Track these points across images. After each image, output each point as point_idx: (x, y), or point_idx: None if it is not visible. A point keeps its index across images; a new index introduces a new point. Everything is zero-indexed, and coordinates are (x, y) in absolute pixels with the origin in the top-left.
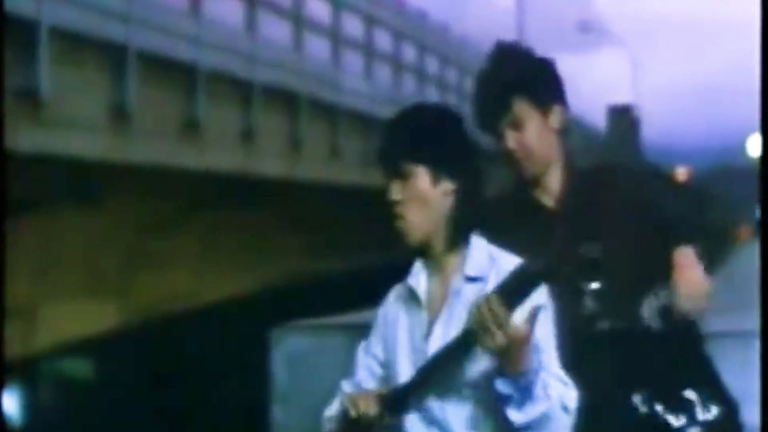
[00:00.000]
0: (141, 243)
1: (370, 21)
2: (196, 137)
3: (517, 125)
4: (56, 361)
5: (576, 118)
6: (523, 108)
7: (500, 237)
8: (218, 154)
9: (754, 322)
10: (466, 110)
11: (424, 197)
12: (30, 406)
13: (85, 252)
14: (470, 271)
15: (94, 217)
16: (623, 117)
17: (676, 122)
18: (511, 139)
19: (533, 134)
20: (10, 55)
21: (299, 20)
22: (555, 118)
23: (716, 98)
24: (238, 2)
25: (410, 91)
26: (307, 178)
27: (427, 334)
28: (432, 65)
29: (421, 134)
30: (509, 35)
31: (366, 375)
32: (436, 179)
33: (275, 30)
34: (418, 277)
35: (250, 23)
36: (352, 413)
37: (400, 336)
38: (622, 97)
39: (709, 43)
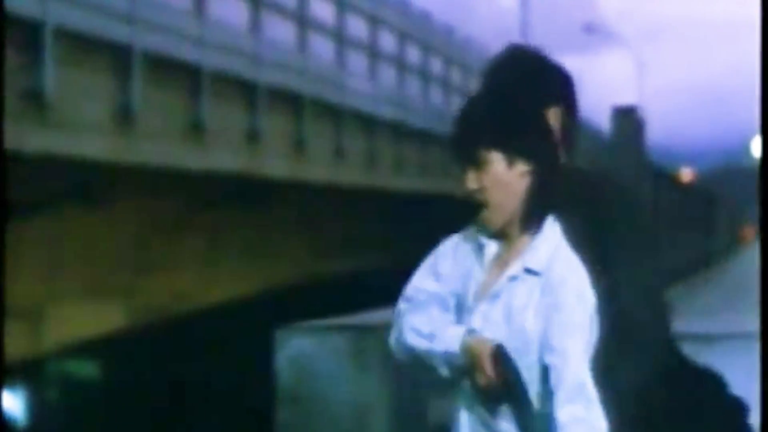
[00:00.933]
0: (146, 243)
1: (375, 22)
2: (200, 138)
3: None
4: (62, 361)
5: (580, 119)
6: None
7: None
8: (223, 155)
9: (755, 324)
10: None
11: (502, 181)
12: (36, 407)
13: (90, 253)
14: (530, 263)
15: (99, 218)
16: (628, 118)
17: (681, 123)
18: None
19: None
20: (15, 57)
21: (303, 21)
22: (551, 117)
23: (721, 99)
24: (242, 3)
25: (414, 91)
26: (312, 178)
27: (473, 306)
28: (436, 66)
29: (493, 119)
30: (513, 36)
31: (438, 309)
32: (511, 162)
33: (279, 31)
34: (489, 241)
35: (255, 24)
36: (472, 368)
37: (461, 288)
38: (626, 98)
39: (713, 44)
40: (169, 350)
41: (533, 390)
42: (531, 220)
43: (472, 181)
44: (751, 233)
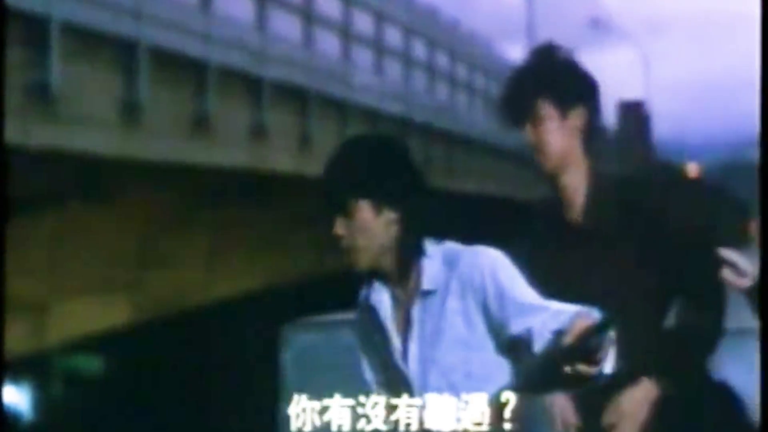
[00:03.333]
0: (152, 239)
1: (380, 17)
2: (206, 134)
3: (537, 122)
4: (66, 357)
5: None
6: (543, 106)
7: (531, 251)
8: (228, 151)
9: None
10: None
11: (368, 228)
12: (40, 402)
13: (95, 248)
14: (425, 285)
15: (104, 213)
16: (634, 113)
17: (687, 118)
18: (530, 134)
19: (550, 132)
20: (21, 52)
21: (309, 17)
22: (576, 119)
23: (727, 94)
24: None
25: (420, 87)
26: (318, 173)
27: (404, 354)
28: (442, 61)
29: (360, 169)
30: (519, 31)
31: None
32: (378, 210)
33: (285, 26)
34: (381, 294)
35: (261, 20)
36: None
37: (374, 360)
38: (632, 93)
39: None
40: (173, 346)
41: (493, 384)
42: (406, 260)
43: (339, 227)
44: (756, 227)
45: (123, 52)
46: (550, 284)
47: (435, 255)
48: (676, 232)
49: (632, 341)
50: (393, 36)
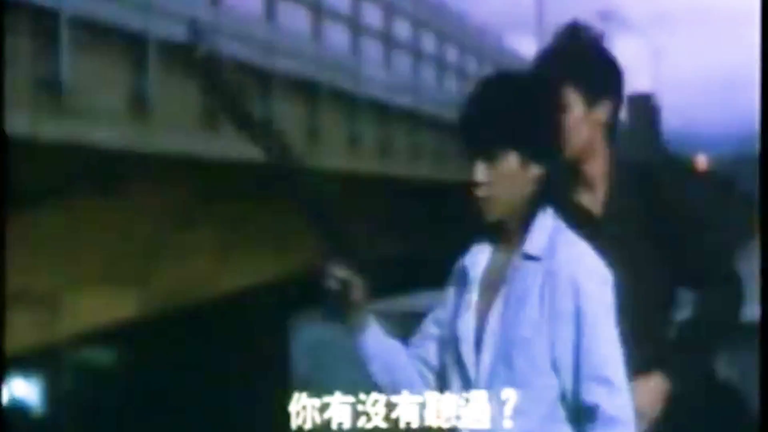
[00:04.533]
0: (162, 232)
1: (390, 10)
2: (216, 126)
3: (561, 109)
4: (78, 350)
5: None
6: (570, 94)
7: None
8: (238, 143)
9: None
10: None
11: (511, 180)
12: (51, 395)
13: (106, 240)
14: (528, 248)
15: (114, 206)
16: (644, 105)
17: (696, 110)
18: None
19: (574, 121)
20: (31, 45)
21: (318, 9)
22: (602, 112)
23: (736, 86)
24: None
25: (429, 80)
26: (326, 166)
27: (485, 313)
28: (451, 54)
29: (513, 113)
30: (528, 24)
31: (420, 364)
32: (524, 163)
33: (294, 19)
34: (476, 257)
35: (270, 12)
36: None
37: (448, 319)
38: (642, 86)
39: (729, 30)
40: (184, 339)
41: (543, 379)
42: (528, 219)
43: (480, 173)
44: None
45: (132, 45)
46: None
47: (546, 224)
48: (692, 222)
49: (646, 334)
50: (402, 29)
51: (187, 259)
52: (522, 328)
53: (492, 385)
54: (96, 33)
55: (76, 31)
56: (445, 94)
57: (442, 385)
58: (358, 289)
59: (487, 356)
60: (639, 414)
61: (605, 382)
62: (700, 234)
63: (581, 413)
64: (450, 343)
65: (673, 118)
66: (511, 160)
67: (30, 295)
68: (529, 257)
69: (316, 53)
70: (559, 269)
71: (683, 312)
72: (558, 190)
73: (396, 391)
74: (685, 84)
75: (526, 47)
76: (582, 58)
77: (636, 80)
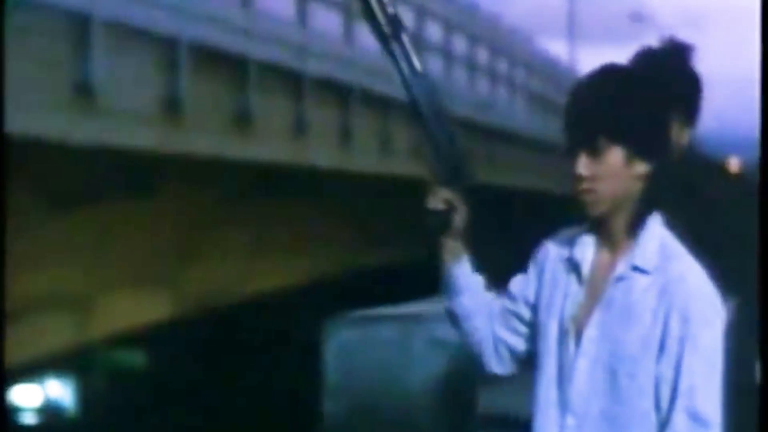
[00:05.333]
0: (193, 234)
1: (421, 12)
2: (247, 129)
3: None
4: (110, 351)
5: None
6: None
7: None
8: (270, 146)
9: None
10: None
11: (616, 176)
12: (84, 396)
13: (137, 243)
14: (638, 260)
15: (146, 209)
16: None
17: (728, 112)
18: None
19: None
20: (64, 48)
21: (350, 12)
22: (684, 138)
23: None
24: None
25: (461, 82)
26: (359, 169)
27: (587, 318)
28: (482, 56)
29: (624, 113)
30: (560, 26)
31: (507, 331)
32: (630, 160)
33: (326, 22)
34: (584, 251)
35: (302, 15)
36: None
37: (549, 309)
38: None
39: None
40: (215, 340)
41: (645, 401)
42: (636, 222)
43: (584, 166)
44: None
45: (164, 48)
46: None
47: (655, 234)
48: (728, 229)
49: None
50: (434, 31)
51: (218, 261)
52: (630, 346)
53: (591, 394)
54: (128, 36)
55: (109, 33)
56: (476, 96)
57: (523, 368)
58: (461, 214)
59: (584, 362)
60: None
61: (704, 422)
62: (739, 241)
63: None
64: (551, 337)
65: (705, 120)
66: (616, 155)
67: (63, 297)
68: (638, 269)
69: (349, 56)
70: (674, 290)
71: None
72: (662, 192)
73: (470, 336)
74: (718, 86)
75: (557, 49)
76: (684, 82)
77: None
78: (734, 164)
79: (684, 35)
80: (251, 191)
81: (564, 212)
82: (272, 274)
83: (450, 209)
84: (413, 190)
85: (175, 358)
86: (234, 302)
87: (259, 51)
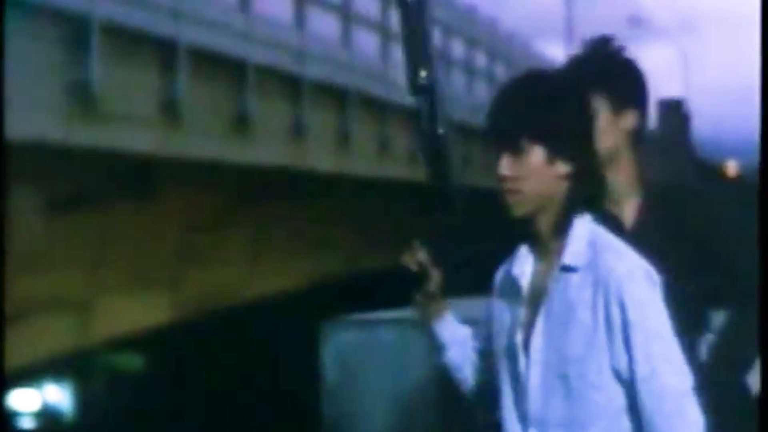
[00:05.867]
0: (193, 237)
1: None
2: (246, 132)
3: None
4: (110, 355)
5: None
6: (597, 100)
7: None
8: (268, 149)
9: None
10: None
11: (538, 176)
12: (83, 399)
13: (137, 247)
14: (567, 259)
15: (145, 212)
16: (674, 111)
17: (727, 116)
18: None
19: (600, 128)
20: (62, 52)
21: (348, 16)
22: (627, 120)
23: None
24: None
25: (459, 86)
26: (357, 173)
27: (532, 329)
28: (481, 60)
29: (542, 109)
30: (557, 30)
31: (465, 360)
32: (551, 160)
33: (324, 25)
34: (523, 264)
35: (300, 19)
36: None
37: (501, 330)
38: (672, 92)
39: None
40: (215, 343)
41: (599, 395)
42: (563, 223)
43: (505, 167)
44: None
45: (163, 52)
46: None
47: (583, 232)
48: (726, 237)
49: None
50: (432, 35)
51: (217, 264)
52: (574, 346)
53: (546, 402)
54: (127, 40)
55: (108, 37)
56: (474, 99)
57: (493, 396)
58: (436, 277)
59: (535, 372)
60: None
61: (675, 396)
62: (732, 247)
63: (651, 425)
64: (504, 357)
65: (703, 124)
66: (537, 155)
67: (62, 300)
68: (568, 269)
69: (346, 59)
70: (606, 281)
71: (717, 327)
72: (593, 193)
73: (465, 384)
74: (716, 90)
75: (555, 53)
76: (609, 67)
77: (666, 86)
78: (732, 168)
79: (683, 40)
80: (250, 194)
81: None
82: (271, 276)
83: (423, 272)
84: (411, 192)
85: (175, 362)
86: (233, 305)
87: (257, 54)
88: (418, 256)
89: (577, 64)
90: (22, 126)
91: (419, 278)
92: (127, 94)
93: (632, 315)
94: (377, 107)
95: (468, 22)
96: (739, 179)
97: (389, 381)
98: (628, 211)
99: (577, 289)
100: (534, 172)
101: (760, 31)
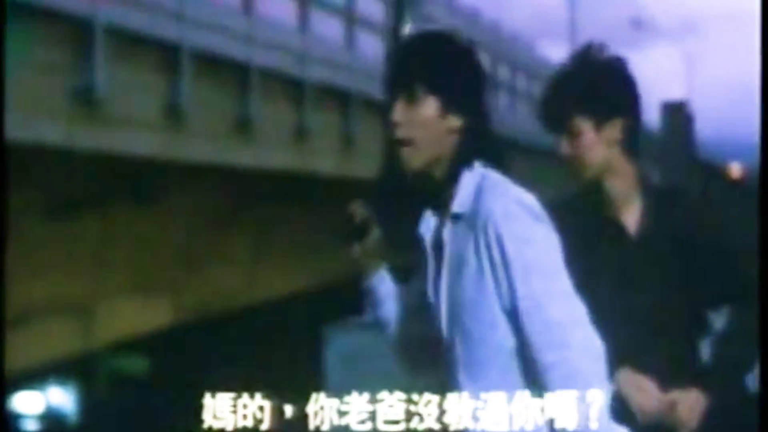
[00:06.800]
0: (195, 241)
1: (423, 19)
2: (249, 135)
3: (573, 135)
4: (112, 358)
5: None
6: (579, 120)
7: (570, 249)
8: (271, 152)
9: None
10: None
11: (430, 127)
12: (86, 403)
13: (140, 250)
14: (455, 208)
15: (148, 215)
16: (677, 113)
17: (730, 117)
18: (565, 146)
19: (586, 145)
20: (66, 55)
21: (351, 18)
22: (614, 130)
23: None
24: (290, 1)
25: None
26: (360, 175)
27: (437, 281)
28: (484, 63)
29: (438, 61)
30: (561, 32)
31: None
32: (444, 111)
33: (327, 28)
34: (429, 223)
35: (303, 21)
36: None
37: (424, 285)
38: (675, 94)
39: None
40: (217, 347)
41: (493, 334)
42: (455, 174)
43: (399, 113)
44: None
45: (166, 55)
46: (592, 289)
47: (471, 179)
48: (727, 239)
49: (681, 350)
50: None
51: (220, 267)
52: (467, 291)
53: (456, 350)
54: (130, 43)
55: (111, 40)
56: None
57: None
58: (375, 233)
59: (444, 322)
60: (678, 427)
61: (559, 327)
62: (734, 249)
63: (531, 368)
64: (425, 311)
65: (706, 126)
66: (430, 106)
67: (65, 304)
68: (456, 216)
69: (349, 62)
70: (486, 222)
71: (718, 327)
72: (478, 144)
73: (394, 339)
74: (719, 91)
75: (559, 55)
76: (587, 81)
77: (668, 88)
78: (736, 170)
79: (686, 42)
80: (253, 197)
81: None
82: (274, 280)
83: (365, 227)
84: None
85: (178, 365)
86: (236, 308)
87: (260, 57)
88: (360, 212)
89: (556, 84)
90: (25, 128)
91: (360, 232)
92: (129, 97)
93: (510, 251)
94: (380, 110)
95: (471, 24)
96: (743, 181)
97: (392, 384)
98: (631, 214)
99: (464, 235)
100: (427, 122)
101: (760, 36)
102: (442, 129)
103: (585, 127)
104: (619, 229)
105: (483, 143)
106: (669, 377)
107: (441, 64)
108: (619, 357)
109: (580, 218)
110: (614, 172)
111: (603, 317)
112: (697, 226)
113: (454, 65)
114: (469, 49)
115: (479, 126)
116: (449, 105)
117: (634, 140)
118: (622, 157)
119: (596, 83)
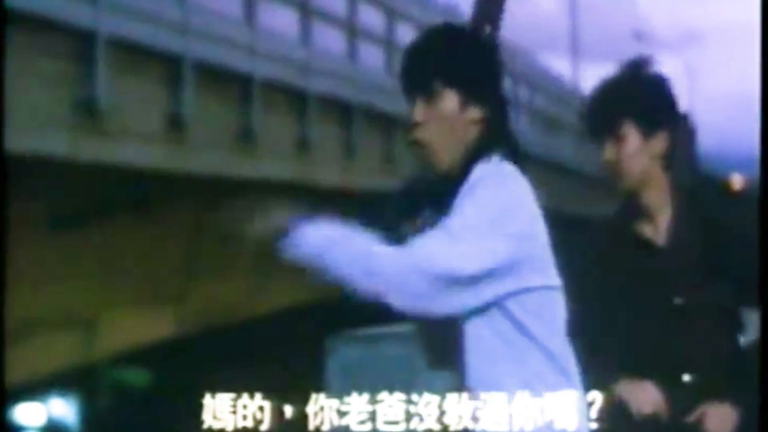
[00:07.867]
0: (198, 252)
1: (423, 29)
2: (251, 147)
3: (618, 140)
4: (115, 370)
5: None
6: (627, 126)
7: (601, 267)
8: (273, 164)
9: None
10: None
11: (450, 121)
12: (89, 415)
13: (143, 261)
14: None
15: (151, 227)
16: (681, 125)
17: (732, 129)
18: (609, 152)
19: (630, 153)
20: (68, 66)
21: (353, 30)
22: (659, 143)
23: None
24: (292, 12)
25: None
26: (362, 186)
27: None
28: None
29: (454, 54)
30: (562, 44)
31: None
32: (464, 104)
33: (330, 40)
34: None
35: (305, 33)
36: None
37: None
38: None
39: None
40: (220, 359)
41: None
42: (471, 166)
43: (418, 113)
44: None
45: (169, 66)
46: (623, 301)
47: (481, 172)
48: (751, 247)
49: (712, 362)
50: None
51: (222, 279)
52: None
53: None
54: (133, 54)
55: (113, 52)
56: None
57: None
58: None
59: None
60: None
61: (453, 236)
62: (753, 255)
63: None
64: None
65: (708, 138)
66: (450, 99)
67: (67, 315)
68: None
69: (352, 73)
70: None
71: (749, 338)
72: (496, 137)
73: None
74: (721, 103)
75: (561, 66)
76: (639, 91)
77: None
78: (738, 181)
79: (687, 54)
80: (255, 209)
81: (568, 230)
82: (277, 291)
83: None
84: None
85: (181, 377)
86: (239, 320)
87: (262, 69)
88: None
89: (606, 89)
90: (27, 141)
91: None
92: (132, 109)
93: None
94: (383, 121)
95: None
96: (745, 193)
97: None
98: (663, 222)
99: None
100: (448, 117)
101: (761, 47)
102: (464, 121)
103: (632, 134)
104: (649, 245)
105: (503, 134)
106: (708, 381)
107: (456, 56)
108: (656, 362)
109: (613, 233)
110: (651, 185)
111: (642, 326)
112: (723, 221)
113: (470, 56)
114: (483, 39)
115: (499, 116)
116: (468, 97)
117: (672, 156)
118: (660, 172)
119: (649, 94)
